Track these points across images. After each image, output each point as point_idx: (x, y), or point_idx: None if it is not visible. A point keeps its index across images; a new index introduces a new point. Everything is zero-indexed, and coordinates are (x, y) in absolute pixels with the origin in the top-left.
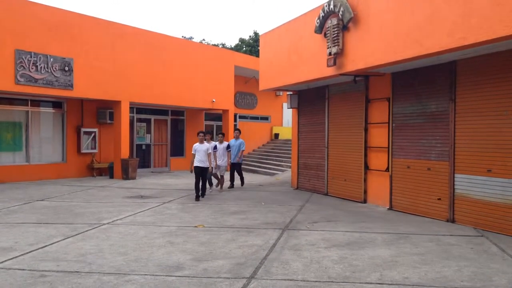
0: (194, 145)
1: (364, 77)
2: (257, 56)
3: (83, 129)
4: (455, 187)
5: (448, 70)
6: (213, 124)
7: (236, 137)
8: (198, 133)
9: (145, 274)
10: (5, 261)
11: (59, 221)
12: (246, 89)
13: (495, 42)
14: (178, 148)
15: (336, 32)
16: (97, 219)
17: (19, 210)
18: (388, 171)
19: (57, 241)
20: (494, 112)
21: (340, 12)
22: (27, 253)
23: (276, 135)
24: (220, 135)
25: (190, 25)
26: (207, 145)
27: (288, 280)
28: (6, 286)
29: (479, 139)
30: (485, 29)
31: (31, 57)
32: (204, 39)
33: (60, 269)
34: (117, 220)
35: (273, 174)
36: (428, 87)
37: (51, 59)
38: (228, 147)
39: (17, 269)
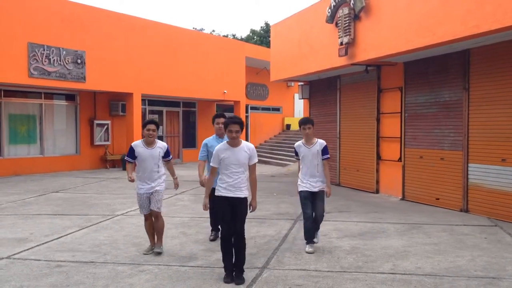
0: (216, 148)
1: (376, 67)
2: (268, 47)
3: (96, 121)
4: (469, 176)
5: (461, 58)
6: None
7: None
8: (225, 122)
9: (159, 264)
10: (22, 251)
11: (74, 212)
12: (257, 80)
13: (510, 30)
14: (190, 140)
15: (347, 21)
16: (111, 210)
17: (34, 202)
18: (401, 161)
19: (72, 232)
20: (508, 101)
21: (352, 1)
22: (43, 244)
23: (288, 126)
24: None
25: (201, 17)
26: (248, 149)
27: (300, 270)
28: (22, 276)
29: (493, 128)
30: (499, 16)
31: (43, 50)
32: (214, 30)
33: (75, 259)
34: (131, 211)
35: (285, 165)
36: (441, 76)
37: (64, 52)
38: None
39: (33, 259)
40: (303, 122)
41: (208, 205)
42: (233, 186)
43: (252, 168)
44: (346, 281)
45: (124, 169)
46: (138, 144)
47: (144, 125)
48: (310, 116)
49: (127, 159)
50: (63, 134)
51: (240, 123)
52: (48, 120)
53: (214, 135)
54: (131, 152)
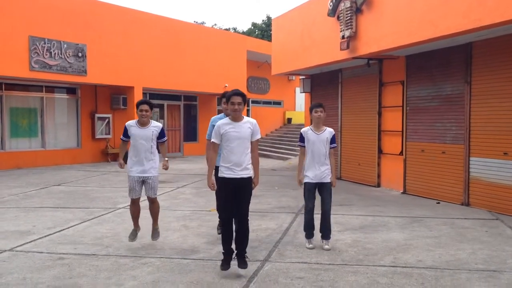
0: (217, 123)
1: (377, 61)
2: (270, 40)
3: (97, 115)
4: (470, 170)
5: (463, 52)
6: None
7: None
8: (227, 95)
9: (161, 257)
10: (24, 244)
11: (76, 205)
12: (259, 73)
13: None
14: (191, 133)
15: (349, 14)
16: (113, 204)
17: (36, 195)
18: (402, 154)
19: (74, 225)
20: (511, 94)
21: None
22: (45, 236)
23: (289, 120)
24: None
25: (202, 10)
26: (251, 124)
27: (302, 263)
28: (25, 269)
29: (495, 122)
30: (501, 10)
31: (45, 43)
32: (216, 24)
33: (77, 252)
34: None
35: (286, 158)
36: (443, 69)
37: (65, 45)
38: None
39: (35, 252)
40: (314, 106)
41: (215, 184)
42: (236, 164)
43: (254, 145)
44: (347, 274)
45: (125, 162)
46: (131, 124)
47: (136, 106)
48: None
49: (122, 138)
50: (64, 127)
51: (242, 95)
52: (49, 113)
53: (222, 114)
54: (125, 132)
